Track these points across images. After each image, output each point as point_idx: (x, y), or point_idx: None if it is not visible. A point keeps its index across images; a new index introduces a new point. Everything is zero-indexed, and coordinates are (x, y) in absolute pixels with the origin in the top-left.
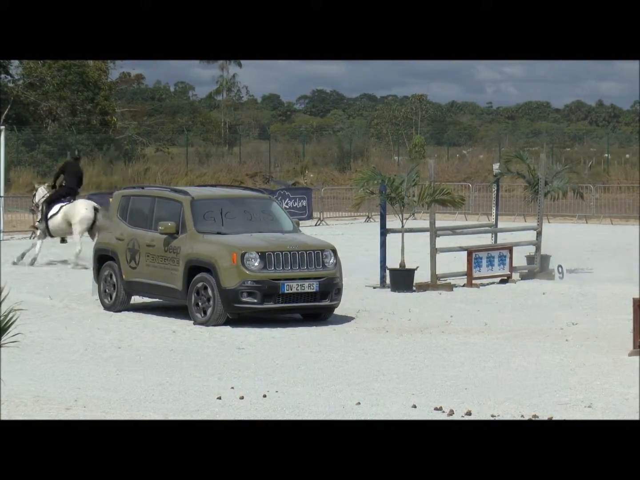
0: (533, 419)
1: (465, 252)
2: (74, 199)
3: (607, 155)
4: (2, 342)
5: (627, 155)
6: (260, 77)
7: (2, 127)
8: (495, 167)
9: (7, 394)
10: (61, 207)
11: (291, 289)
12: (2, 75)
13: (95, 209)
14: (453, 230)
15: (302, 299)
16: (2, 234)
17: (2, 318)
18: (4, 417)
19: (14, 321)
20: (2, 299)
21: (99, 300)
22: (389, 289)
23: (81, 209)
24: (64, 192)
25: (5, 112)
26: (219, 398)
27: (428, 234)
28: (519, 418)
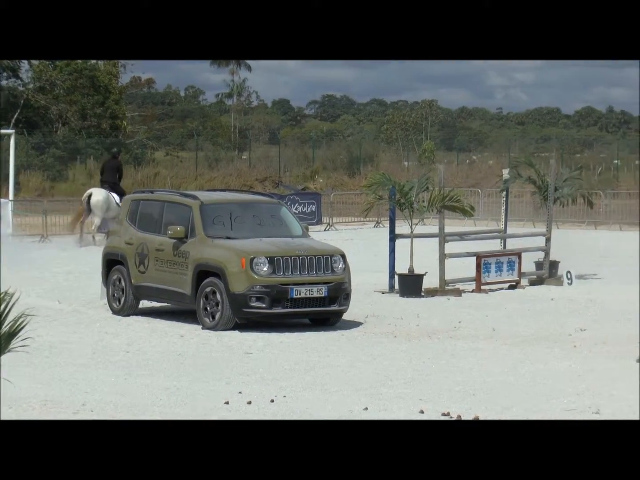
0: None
1: (474, 258)
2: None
3: (616, 161)
4: (11, 347)
5: (637, 162)
6: (270, 81)
7: (12, 131)
8: (505, 172)
9: (15, 398)
10: None
11: (300, 294)
12: (12, 79)
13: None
14: (462, 236)
15: (310, 304)
16: (11, 237)
17: (12, 322)
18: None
19: (24, 326)
20: (13, 303)
21: (107, 305)
22: (398, 294)
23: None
24: (106, 187)
25: (15, 116)
26: (227, 403)
27: (437, 239)
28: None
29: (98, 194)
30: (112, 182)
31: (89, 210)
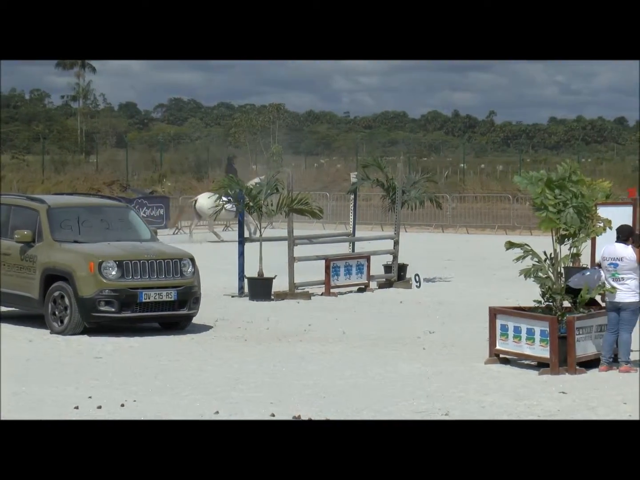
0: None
1: (323, 261)
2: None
3: (462, 165)
4: None
5: (482, 165)
6: (117, 84)
7: None
8: (353, 176)
9: None
10: None
11: (149, 298)
12: None
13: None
14: (311, 239)
15: (160, 308)
16: None
17: None
18: None
19: None
20: None
21: None
22: (247, 298)
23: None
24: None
25: None
26: (77, 408)
27: (286, 242)
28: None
29: (201, 200)
30: None
31: (196, 214)
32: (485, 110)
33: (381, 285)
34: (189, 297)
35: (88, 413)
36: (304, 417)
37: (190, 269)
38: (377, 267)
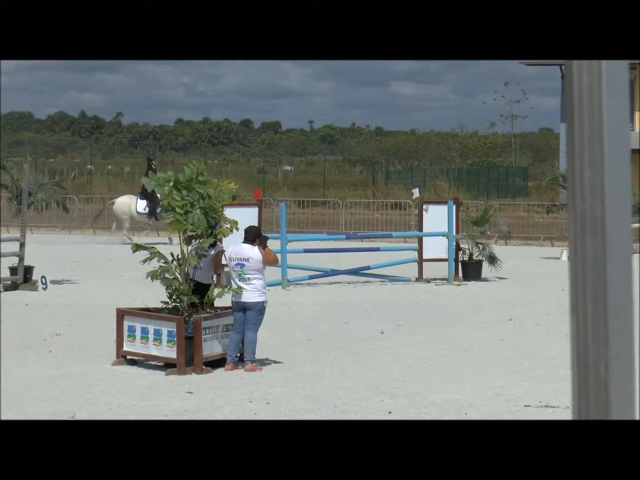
0: None
1: None
2: None
3: (90, 166)
4: None
5: (110, 167)
6: None
7: None
8: None
9: None
10: None
11: None
12: None
13: None
14: None
15: None
16: None
17: None
18: None
19: None
20: None
21: None
22: None
23: None
24: None
25: None
26: None
27: None
28: None
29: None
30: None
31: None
32: (113, 111)
33: (7, 288)
34: None
35: None
36: None
37: None
38: (3, 269)
